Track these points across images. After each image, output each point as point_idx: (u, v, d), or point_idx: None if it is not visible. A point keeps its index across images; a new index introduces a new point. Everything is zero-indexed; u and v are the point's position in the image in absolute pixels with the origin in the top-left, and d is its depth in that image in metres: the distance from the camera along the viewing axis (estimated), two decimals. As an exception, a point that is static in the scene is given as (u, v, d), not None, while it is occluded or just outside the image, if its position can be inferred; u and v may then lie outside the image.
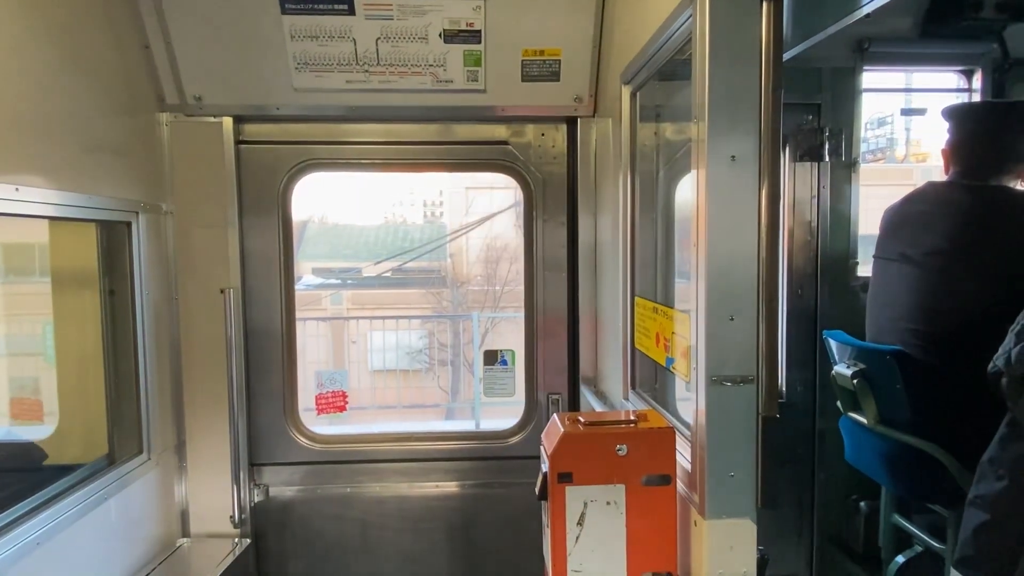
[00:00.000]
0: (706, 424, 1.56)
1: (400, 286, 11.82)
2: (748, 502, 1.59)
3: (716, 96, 1.54)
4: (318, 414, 2.96)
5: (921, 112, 3.11)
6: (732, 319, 1.56)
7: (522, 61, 2.67)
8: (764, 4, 1.52)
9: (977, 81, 2.93)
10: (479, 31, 2.60)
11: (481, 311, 10.14)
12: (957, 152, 2.39)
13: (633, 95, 2.30)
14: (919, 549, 2.43)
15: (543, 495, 1.68)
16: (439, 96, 2.72)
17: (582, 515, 1.65)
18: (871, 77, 2.95)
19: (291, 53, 2.60)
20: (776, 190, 1.55)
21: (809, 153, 2.93)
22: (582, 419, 1.72)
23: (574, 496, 1.65)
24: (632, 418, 1.74)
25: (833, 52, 2.80)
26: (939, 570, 2.27)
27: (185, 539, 2.77)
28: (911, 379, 2.16)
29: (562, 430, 1.66)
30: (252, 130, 2.80)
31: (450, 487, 2.94)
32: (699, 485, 1.61)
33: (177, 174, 2.70)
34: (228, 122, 2.72)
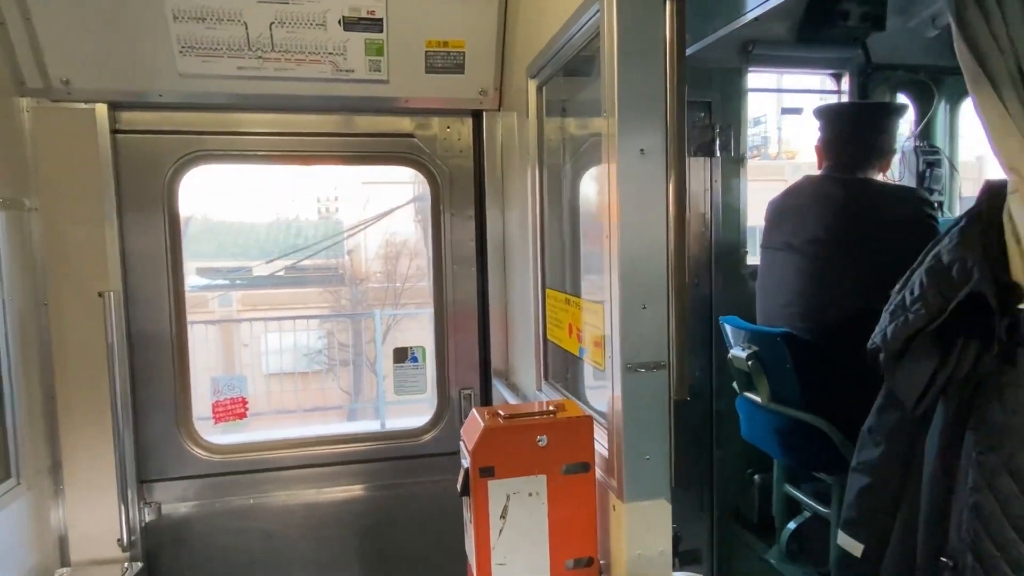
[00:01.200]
0: (622, 410, 1.61)
1: (295, 285, 11.33)
2: (663, 483, 1.65)
3: (625, 91, 1.58)
4: (215, 423, 2.78)
5: (798, 111, 3.37)
6: (645, 308, 1.61)
7: (426, 52, 2.62)
8: (667, 3, 1.58)
9: (845, 83, 3.20)
10: (380, 20, 2.53)
11: (382, 308, 9.93)
12: (828, 148, 2.60)
13: (539, 89, 2.31)
14: (808, 515, 2.63)
15: (465, 491, 1.66)
16: (339, 86, 2.62)
17: (505, 508, 1.65)
18: (756, 78, 3.15)
19: (175, 35, 2.41)
20: (682, 182, 1.62)
21: (702, 148, 3.09)
22: (502, 412, 1.72)
23: (496, 490, 1.64)
24: (551, 409, 1.75)
25: (722, 53, 2.96)
26: (826, 533, 2.47)
27: (65, 569, 2.51)
28: (799, 359, 2.33)
29: (483, 425, 1.65)
30: (130, 118, 2.57)
31: (361, 490, 2.85)
32: (616, 470, 1.66)
33: (43, 166, 2.43)
34: (102, 109, 2.47)
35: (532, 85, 2.34)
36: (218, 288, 10.75)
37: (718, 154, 3.07)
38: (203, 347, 8.00)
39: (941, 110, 3.26)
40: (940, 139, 3.28)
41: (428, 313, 2.99)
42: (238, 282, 11.09)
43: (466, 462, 1.68)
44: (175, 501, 2.70)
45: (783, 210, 2.65)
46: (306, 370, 9.21)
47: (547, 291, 2.31)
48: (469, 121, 2.86)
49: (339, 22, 2.50)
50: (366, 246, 11.38)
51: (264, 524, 2.77)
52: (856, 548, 1.89)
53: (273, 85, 2.55)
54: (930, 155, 3.20)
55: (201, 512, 2.72)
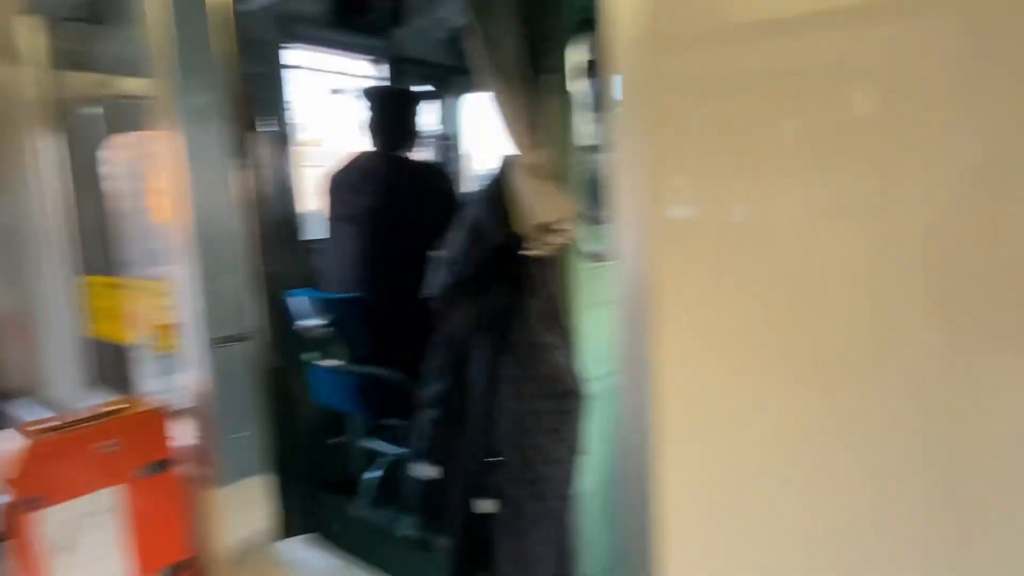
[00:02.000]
0: (213, 390, 1.50)
1: None
2: (262, 458, 1.61)
3: (180, 51, 1.44)
4: None
5: (342, 92, 3.53)
6: (222, 279, 1.53)
7: None
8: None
9: (382, 70, 3.51)
10: None
11: None
12: (374, 127, 2.86)
13: (46, 32, 1.88)
14: (384, 462, 2.89)
15: (5, 535, 1.30)
16: None
17: (69, 539, 1.36)
18: (300, 56, 3.18)
19: None
20: (247, 150, 1.58)
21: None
22: (49, 424, 1.39)
23: (54, 520, 1.33)
24: (114, 408, 1.50)
25: (258, 24, 2.88)
26: (403, 473, 2.77)
27: None
28: (370, 320, 2.53)
29: (24, 443, 1.31)
30: None
31: None
32: (208, 455, 1.54)
33: None
34: None
35: (28, 25, 1.88)
36: None
37: (257, 129, 3.00)
38: None
39: (449, 101, 3.90)
40: (448, 125, 3.92)
41: None
42: None
43: (1, 498, 1.31)
44: None
45: (341, 184, 2.80)
46: None
47: (85, 279, 1.93)
48: None
49: None
50: None
51: None
52: (434, 471, 2.19)
53: None
54: (442, 138, 3.80)
55: None
